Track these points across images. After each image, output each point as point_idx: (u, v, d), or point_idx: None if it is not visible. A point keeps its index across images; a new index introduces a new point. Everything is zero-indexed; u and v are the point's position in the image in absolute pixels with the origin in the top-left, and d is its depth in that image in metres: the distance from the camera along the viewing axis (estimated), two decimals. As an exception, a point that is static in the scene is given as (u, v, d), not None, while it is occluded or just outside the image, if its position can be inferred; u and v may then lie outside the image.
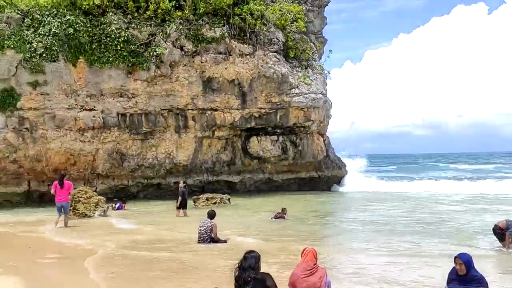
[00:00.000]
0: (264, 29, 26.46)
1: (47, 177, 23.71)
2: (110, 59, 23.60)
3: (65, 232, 14.15)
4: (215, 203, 21.24)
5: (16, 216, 18.96)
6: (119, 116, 24.53)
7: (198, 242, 11.46)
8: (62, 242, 12.20)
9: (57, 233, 13.79)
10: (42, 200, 24.00)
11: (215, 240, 11.45)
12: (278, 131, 28.06)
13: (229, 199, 22.07)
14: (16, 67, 22.50)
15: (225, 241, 11.58)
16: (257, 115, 26.75)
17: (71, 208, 16.80)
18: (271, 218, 16.36)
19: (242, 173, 28.27)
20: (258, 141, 27.72)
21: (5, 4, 22.52)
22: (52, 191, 15.58)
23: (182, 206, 17.95)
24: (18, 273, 8.42)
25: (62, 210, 15.36)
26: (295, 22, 27.85)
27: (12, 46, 22.18)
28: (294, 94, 26.76)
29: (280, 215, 16.32)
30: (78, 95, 23.64)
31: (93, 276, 8.23)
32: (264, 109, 26.63)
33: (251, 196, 25.82)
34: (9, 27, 22.33)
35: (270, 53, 26.43)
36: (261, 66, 26.01)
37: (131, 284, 7.78)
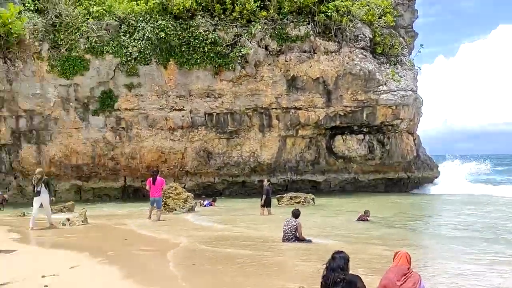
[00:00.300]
0: (350, 25, 25.81)
1: (141, 173, 25.16)
2: (198, 60, 24.46)
3: (152, 226, 14.82)
4: (298, 202, 21.09)
5: (111, 209, 20.34)
6: (206, 115, 25.34)
7: (283, 241, 11.40)
8: (149, 235, 12.75)
9: (145, 227, 14.48)
10: (136, 195, 25.55)
11: (299, 239, 11.32)
12: (365, 129, 27.21)
13: (313, 199, 21.80)
14: (114, 70, 24.17)
15: (309, 241, 11.40)
16: (342, 114, 26.18)
17: (162, 203, 17.60)
18: (355, 220, 15.89)
19: (327, 172, 27.83)
20: (343, 140, 27.09)
21: (105, 12, 24.25)
22: (147, 187, 16.55)
23: (266, 204, 18.02)
24: (116, 262, 8.95)
25: (155, 204, 16.24)
26: (383, 17, 26.84)
27: (110, 51, 23.87)
28: (382, 92, 25.80)
29: (363, 217, 15.78)
30: (169, 96, 24.80)
31: (173, 268, 8.52)
32: (350, 107, 25.98)
33: (336, 196, 25.31)
34: (108, 34, 24.03)
35: (357, 50, 25.72)
36: (347, 63, 25.41)
37: (210, 277, 7.90)
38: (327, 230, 13.98)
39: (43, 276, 7.55)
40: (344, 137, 27.13)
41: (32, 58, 23.28)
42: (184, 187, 21.37)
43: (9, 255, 9.77)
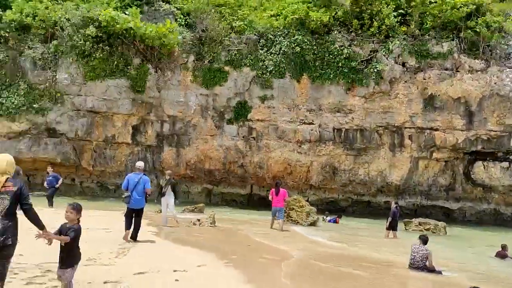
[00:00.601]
0: (502, 42, 23.53)
1: (267, 183, 25.85)
2: (331, 75, 24.43)
3: (273, 235, 15.04)
4: (428, 229, 19.70)
5: (237, 215, 21.22)
6: (335, 131, 25.12)
7: (409, 268, 10.73)
8: (268, 244, 12.89)
9: (266, 236, 14.74)
10: (261, 203, 26.29)
11: (429, 269, 10.53)
12: (511, 157, 24.43)
13: (444, 227, 20.17)
14: (250, 82, 25.33)
15: (440, 272, 10.55)
16: (485, 138, 23.87)
17: (285, 214, 17.85)
18: (492, 256, 14.30)
19: (462, 200, 25.56)
20: (484, 167, 24.63)
21: (246, 27, 25.63)
22: (270, 197, 16.96)
23: (392, 227, 17.20)
24: (239, 266, 9.29)
25: (277, 214, 16.55)
26: (543, 33, 23.97)
27: (248, 64, 25.10)
28: (536, 116, 22.95)
29: (502, 252, 14.13)
30: (299, 109, 25.15)
31: (284, 279, 8.54)
32: (495, 131, 23.58)
33: (471, 227, 23.07)
34: (247, 47, 25.33)
35: (507, 69, 23.31)
36: (495, 83, 23.17)
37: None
38: (459, 263, 12.81)
39: (174, 271, 8.15)
40: (485, 163, 24.66)
41: (179, 69, 25.52)
42: (307, 201, 21.42)
43: (147, 247, 10.76)
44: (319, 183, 25.97)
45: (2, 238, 5.24)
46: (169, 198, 14.88)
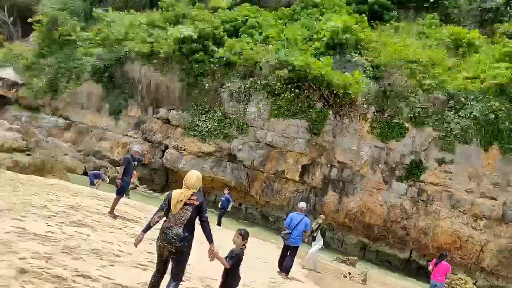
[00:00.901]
0: None
1: (429, 252, 23.88)
2: (528, 150, 21.74)
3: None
4: None
5: (392, 278, 20.01)
6: (522, 212, 22.06)
7: None
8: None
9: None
10: (418, 272, 24.33)
11: None
12: None
13: None
14: (429, 142, 24.11)
15: None
16: None
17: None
18: None
19: None
20: None
21: (435, 86, 24.63)
22: (430, 268, 15.66)
23: None
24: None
25: (437, 289, 15.15)
26: None
27: (431, 123, 24.00)
28: None
29: None
30: (482, 181, 22.87)
31: None
32: None
33: None
34: (433, 107, 24.26)
35: None
36: None
37: None
38: None
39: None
40: None
41: (358, 118, 25.73)
42: (474, 284, 19.11)
43: (296, 286, 10.97)
44: (493, 268, 22.90)
45: (181, 244, 6.01)
46: (317, 244, 15.08)
